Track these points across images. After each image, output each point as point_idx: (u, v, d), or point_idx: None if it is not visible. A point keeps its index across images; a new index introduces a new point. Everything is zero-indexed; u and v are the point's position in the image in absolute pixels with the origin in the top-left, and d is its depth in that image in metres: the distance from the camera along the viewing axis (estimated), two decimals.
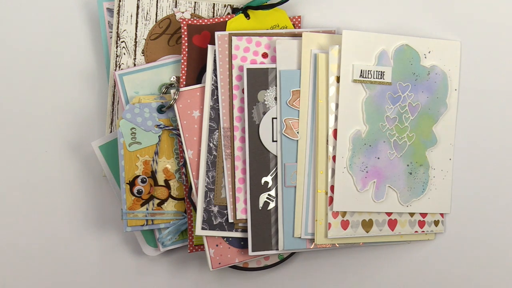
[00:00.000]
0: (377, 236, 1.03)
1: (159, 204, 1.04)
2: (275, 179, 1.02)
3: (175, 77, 1.05)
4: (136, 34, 1.06)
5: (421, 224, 1.04)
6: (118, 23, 1.06)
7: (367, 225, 1.02)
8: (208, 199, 1.03)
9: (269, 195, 1.02)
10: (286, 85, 1.01)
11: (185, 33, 1.04)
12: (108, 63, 1.07)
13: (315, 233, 1.01)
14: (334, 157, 1.01)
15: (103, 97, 1.09)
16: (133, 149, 1.03)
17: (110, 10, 1.07)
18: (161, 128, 1.04)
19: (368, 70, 1.01)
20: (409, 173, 1.03)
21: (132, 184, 1.03)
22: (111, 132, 1.07)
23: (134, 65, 1.06)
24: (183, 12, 1.06)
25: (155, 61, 1.06)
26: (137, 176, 1.03)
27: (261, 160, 1.02)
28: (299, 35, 1.03)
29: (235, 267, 1.05)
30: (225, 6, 1.07)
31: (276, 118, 1.02)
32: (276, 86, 1.02)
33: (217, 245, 1.03)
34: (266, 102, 1.02)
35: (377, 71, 1.01)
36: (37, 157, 1.09)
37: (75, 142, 1.09)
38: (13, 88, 1.09)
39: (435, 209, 1.04)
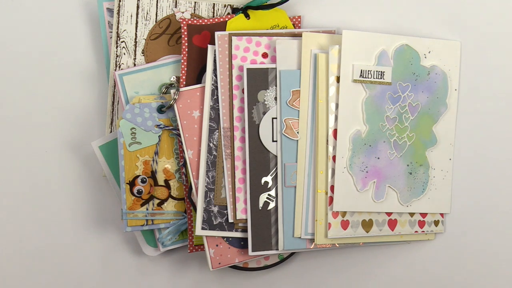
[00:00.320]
0: (377, 236, 1.03)
1: (159, 204, 1.04)
2: (275, 179, 1.02)
3: (175, 77, 1.05)
4: (136, 34, 1.06)
5: (421, 224, 1.04)
6: (118, 23, 1.06)
7: (367, 225, 1.02)
8: (208, 199, 1.03)
9: (269, 195, 1.02)
10: (286, 85, 1.01)
11: (185, 33, 1.04)
12: (108, 63, 1.07)
13: (315, 233, 1.01)
14: (334, 157, 1.01)
15: (103, 97, 1.09)
16: (133, 149, 1.03)
17: (110, 10, 1.07)
18: (161, 128, 1.04)
19: (368, 70, 1.01)
20: (409, 173, 1.03)
21: (132, 184, 1.03)
22: (111, 132, 1.07)
23: (134, 65, 1.06)
24: (183, 12, 1.06)
25: (155, 61, 1.06)
26: (137, 176, 1.03)
27: (261, 160, 1.02)
28: (299, 35, 1.03)
29: (235, 267, 1.05)
30: (225, 6, 1.07)
31: (276, 118, 1.02)
32: (276, 86, 1.02)
33: (217, 245, 1.03)
34: (266, 102, 1.02)
35: (377, 71, 1.01)
36: (37, 157, 1.09)
37: (75, 142, 1.09)
38: (13, 88, 1.09)
39: (435, 209, 1.04)
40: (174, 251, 1.09)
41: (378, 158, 1.02)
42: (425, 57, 1.03)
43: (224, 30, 1.05)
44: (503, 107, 1.04)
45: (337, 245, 1.02)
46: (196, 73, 1.04)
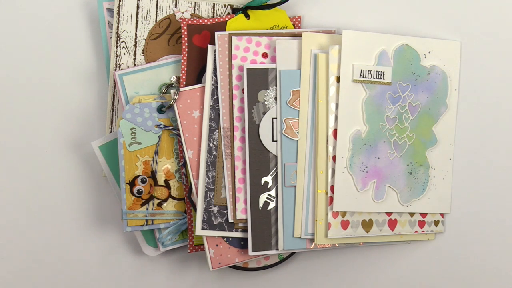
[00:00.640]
0: (377, 236, 1.03)
1: (159, 204, 1.04)
2: (275, 179, 1.02)
3: (175, 77, 1.05)
4: (136, 34, 1.06)
5: (421, 224, 1.04)
6: (118, 23, 1.06)
7: (367, 225, 1.02)
8: (208, 199, 1.03)
9: (269, 195, 1.02)
10: (286, 85, 1.01)
11: (185, 33, 1.04)
12: (108, 63, 1.07)
13: (315, 233, 1.01)
14: (334, 157, 1.01)
15: (103, 97, 1.09)
16: (133, 149, 1.03)
17: (110, 10, 1.07)
18: (161, 128, 1.04)
19: (368, 70, 1.01)
20: (409, 173, 1.03)
21: (132, 184, 1.03)
22: (111, 132, 1.07)
23: (134, 65, 1.06)
24: (183, 12, 1.06)
25: (155, 61, 1.06)
26: (137, 176, 1.03)
27: (261, 160, 1.02)
28: (299, 35, 1.03)
29: (235, 267, 1.05)
30: (225, 6, 1.07)
31: (276, 118, 1.02)
32: (276, 86, 1.02)
33: (217, 245, 1.03)
34: (266, 102, 1.02)
35: (377, 71, 1.01)
36: (37, 157, 1.09)
37: (75, 142, 1.09)
38: (13, 88, 1.09)
39: (435, 209, 1.04)
40: (174, 251, 1.09)
41: (378, 158, 1.02)
42: (425, 57, 1.03)
43: (224, 30, 1.05)
44: (503, 107, 1.04)
45: (337, 245, 1.02)
46: (196, 73, 1.04)
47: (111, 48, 1.06)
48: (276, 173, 1.02)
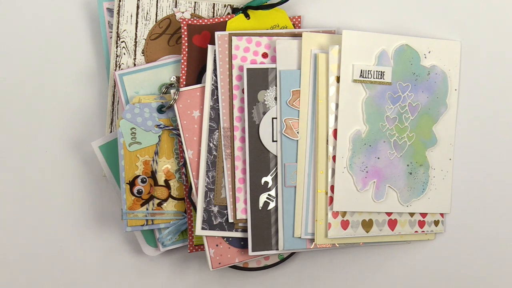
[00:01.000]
0: (377, 236, 1.03)
1: (159, 204, 1.04)
2: (275, 179, 1.02)
3: (175, 77, 1.05)
4: (136, 34, 1.06)
5: (421, 224, 1.04)
6: (118, 23, 1.06)
7: (367, 225, 1.02)
8: (208, 199, 1.03)
9: (269, 195, 1.02)
10: (286, 85, 1.01)
11: (185, 33, 1.04)
12: (108, 63, 1.07)
13: (315, 233, 1.01)
14: (334, 157, 1.01)
15: (103, 97, 1.09)
16: (133, 149, 1.03)
17: (110, 10, 1.07)
18: (161, 128, 1.04)
19: (368, 70, 1.01)
20: (409, 173, 1.03)
21: (132, 184, 1.03)
22: (111, 132, 1.07)
23: (134, 65, 1.06)
24: (183, 12, 1.06)
25: (155, 61, 1.06)
26: (137, 176, 1.03)
27: (261, 160, 1.02)
28: (299, 35, 1.03)
29: (235, 267, 1.05)
30: (225, 6, 1.07)
31: (276, 118, 1.02)
32: (276, 86, 1.02)
33: (217, 245, 1.03)
34: (266, 102, 1.02)
35: (377, 71, 1.01)
36: (37, 157, 1.09)
37: (75, 142, 1.09)
38: (13, 88, 1.09)
39: (435, 209, 1.04)
40: (174, 251, 1.09)
41: (378, 158, 1.02)
42: (425, 57, 1.03)
43: (224, 30, 1.05)
44: (503, 107, 1.04)
45: (337, 245, 1.02)
46: (196, 73, 1.04)
47: (111, 48, 1.06)
48: (276, 173, 1.02)
